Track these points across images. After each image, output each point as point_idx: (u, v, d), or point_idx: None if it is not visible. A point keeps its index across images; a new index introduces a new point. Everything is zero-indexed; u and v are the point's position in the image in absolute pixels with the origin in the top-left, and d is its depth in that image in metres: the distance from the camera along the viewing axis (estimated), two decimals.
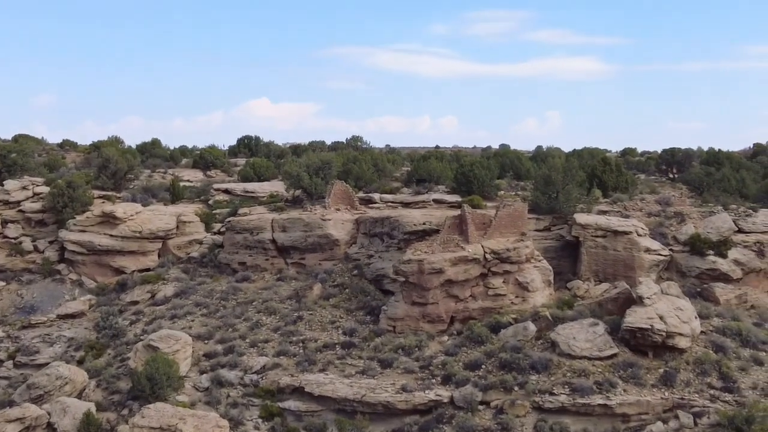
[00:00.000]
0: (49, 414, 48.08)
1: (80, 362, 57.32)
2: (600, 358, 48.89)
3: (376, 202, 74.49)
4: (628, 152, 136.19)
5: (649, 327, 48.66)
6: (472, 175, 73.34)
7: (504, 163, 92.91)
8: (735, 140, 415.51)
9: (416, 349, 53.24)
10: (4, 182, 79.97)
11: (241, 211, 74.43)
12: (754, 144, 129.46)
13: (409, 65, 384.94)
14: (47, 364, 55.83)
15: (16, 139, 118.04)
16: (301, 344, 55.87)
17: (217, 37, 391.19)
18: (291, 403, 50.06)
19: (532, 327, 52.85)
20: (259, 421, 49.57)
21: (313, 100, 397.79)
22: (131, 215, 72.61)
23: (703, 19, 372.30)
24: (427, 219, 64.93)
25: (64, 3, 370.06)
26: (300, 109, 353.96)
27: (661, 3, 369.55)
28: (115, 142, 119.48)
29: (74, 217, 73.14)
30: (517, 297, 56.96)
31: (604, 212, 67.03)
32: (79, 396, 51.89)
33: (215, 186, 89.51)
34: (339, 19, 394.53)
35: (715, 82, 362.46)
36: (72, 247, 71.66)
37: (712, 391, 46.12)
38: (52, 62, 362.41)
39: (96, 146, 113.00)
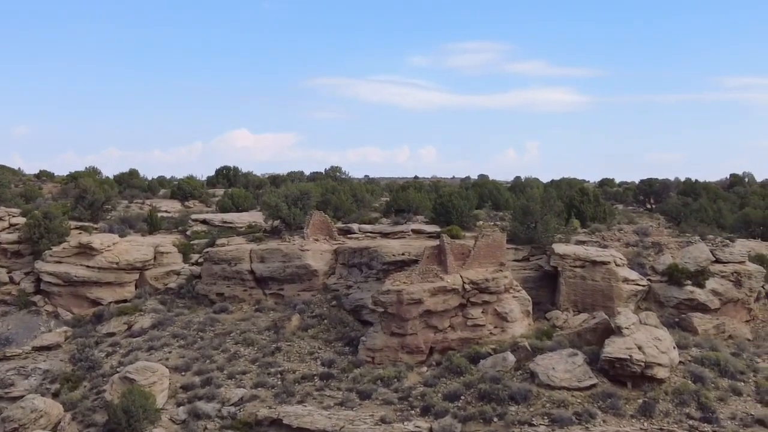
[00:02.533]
0: None
1: (56, 395, 56.71)
2: (579, 389, 48.82)
3: (354, 233, 74.30)
4: (605, 183, 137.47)
5: (628, 357, 48.69)
6: (451, 205, 73.39)
7: (483, 194, 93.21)
8: (712, 171, 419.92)
9: (395, 380, 52.93)
10: None
11: (219, 241, 74.08)
12: (730, 174, 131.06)
13: (389, 96, 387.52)
14: (22, 396, 55.27)
15: None
16: (279, 376, 55.47)
17: (197, 67, 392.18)
18: None
19: (511, 357, 52.73)
20: None
21: (293, 130, 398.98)
22: (108, 246, 72.01)
23: (679, 51, 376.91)
24: (406, 249, 64.85)
25: (42, 33, 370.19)
26: (280, 140, 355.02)
27: (637, 35, 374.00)
28: (92, 172, 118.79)
29: (51, 248, 72.43)
30: (496, 327, 56.90)
31: (582, 242, 67.23)
32: (55, 429, 51.43)
33: (193, 216, 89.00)
34: (320, 50, 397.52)
35: (692, 114, 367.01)
36: (48, 279, 70.96)
37: (691, 422, 45.99)
38: (30, 93, 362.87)
39: (73, 177, 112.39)
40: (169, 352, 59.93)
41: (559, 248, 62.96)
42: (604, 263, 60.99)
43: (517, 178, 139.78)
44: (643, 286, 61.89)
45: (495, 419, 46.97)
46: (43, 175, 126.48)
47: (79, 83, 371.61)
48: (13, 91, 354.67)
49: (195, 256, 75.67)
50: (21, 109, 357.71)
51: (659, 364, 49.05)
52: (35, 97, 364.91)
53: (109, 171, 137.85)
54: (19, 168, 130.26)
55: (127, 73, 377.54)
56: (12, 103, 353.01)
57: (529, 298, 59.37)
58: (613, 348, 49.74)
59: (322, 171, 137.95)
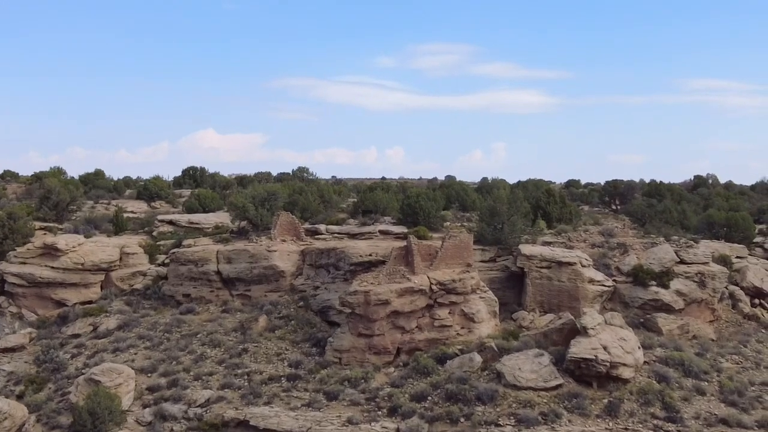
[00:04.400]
0: None
1: (20, 397, 56.04)
2: (545, 389, 49.10)
3: (322, 234, 74.29)
4: (571, 184, 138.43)
5: (593, 357, 49.05)
6: (418, 206, 73.50)
7: (450, 195, 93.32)
8: (676, 173, 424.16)
9: (362, 381, 52.93)
10: None
11: (185, 242, 73.71)
12: (694, 176, 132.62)
13: (356, 97, 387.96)
14: None
15: None
16: (246, 377, 55.26)
17: (164, 67, 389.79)
18: None
19: (477, 358, 52.95)
20: None
21: (260, 131, 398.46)
22: (73, 247, 71.46)
23: (644, 54, 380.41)
24: (373, 250, 64.94)
25: (5, 32, 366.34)
26: (246, 140, 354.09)
27: (604, 37, 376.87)
28: (57, 172, 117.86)
29: (15, 249, 71.85)
30: (462, 328, 57.10)
31: (548, 243, 67.73)
32: (19, 431, 50.79)
33: (159, 217, 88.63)
34: (286, 50, 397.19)
35: (656, 115, 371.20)
36: (12, 280, 70.24)
37: (655, 421, 46.37)
38: None
39: (38, 177, 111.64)
40: (135, 354, 59.49)
41: (526, 249, 63.34)
42: (570, 264, 61.49)
43: (484, 179, 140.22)
44: (609, 286, 62.40)
45: (462, 419, 47.08)
46: (7, 175, 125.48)
47: (43, 82, 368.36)
48: None
49: (161, 257, 75.39)
50: None
51: (624, 365, 49.46)
52: None
53: (74, 171, 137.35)
54: None
55: (93, 72, 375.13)
56: None
57: (496, 299, 59.63)
58: (579, 348, 50.07)
59: (290, 172, 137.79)
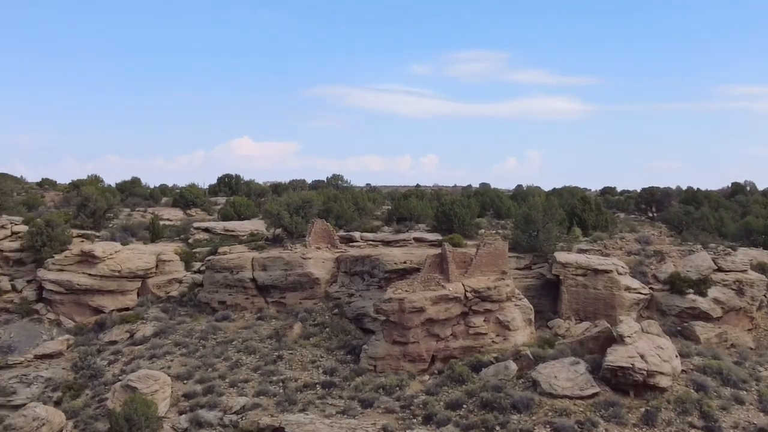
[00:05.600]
0: None
1: (57, 403, 56.57)
2: (581, 398, 48.65)
3: (356, 241, 74.39)
4: (607, 191, 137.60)
5: (630, 366, 48.57)
6: (453, 213, 73.45)
7: (484, 202, 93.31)
8: (713, 179, 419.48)
9: (397, 388, 52.84)
10: None
11: (221, 249, 74.17)
12: (732, 183, 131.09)
13: (390, 104, 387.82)
14: (24, 405, 55.07)
15: None
16: (281, 384, 55.35)
17: (199, 76, 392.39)
18: None
19: (513, 366, 52.67)
20: None
21: (295, 139, 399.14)
22: (110, 254, 72.17)
23: (680, 60, 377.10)
24: (408, 258, 64.91)
25: (44, 41, 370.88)
26: (281, 148, 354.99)
27: (637, 45, 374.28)
28: (94, 180, 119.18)
29: (53, 256, 72.67)
30: (497, 336, 56.80)
31: (584, 251, 67.25)
32: None
33: (195, 225, 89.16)
34: (321, 58, 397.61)
35: (693, 122, 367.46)
36: (50, 287, 71.08)
37: (693, 430, 45.85)
38: (31, 100, 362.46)
39: (75, 185, 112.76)
40: (171, 360, 59.88)
41: (561, 257, 62.99)
42: (606, 272, 61.04)
43: (519, 186, 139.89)
44: (645, 294, 61.87)
45: (497, 428, 46.77)
46: (46, 184, 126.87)
47: (80, 91, 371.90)
48: (14, 98, 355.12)
49: (197, 264, 75.80)
50: (22, 117, 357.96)
51: (661, 373, 48.94)
52: (37, 104, 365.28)
53: (111, 179, 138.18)
54: (22, 176, 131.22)
55: (129, 81, 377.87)
56: (13, 110, 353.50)
57: (531, 307, 59.25)
58: (616, 356, 49.63)
59: (324, 179, 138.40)
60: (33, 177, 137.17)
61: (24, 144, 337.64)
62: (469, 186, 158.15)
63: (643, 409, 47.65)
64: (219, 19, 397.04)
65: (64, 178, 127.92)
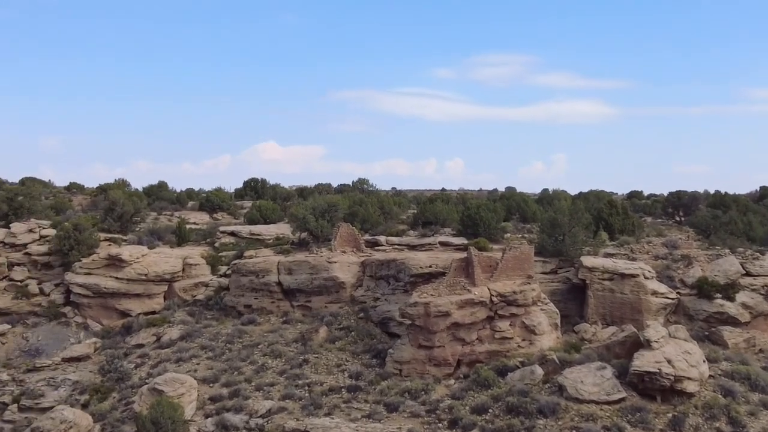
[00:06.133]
0: None
1: (85, 406, 57.03)
2: (608, 402, 48.40)
3: (382, 245, 74.45)
4: (634, 195, 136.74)
5: (657, 371, 48.26)
6: (479, 217, 73.29)
7: (510, 206, 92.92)
8: (741, 183, 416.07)
9: (423, 392, 52.78)
10: (10, 225, 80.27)
11: (247, 253, 74.38)
12: (760, 187, 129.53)
13: (415, 108, 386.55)
14: (52, 407, 55.55)
15: (23, 182, 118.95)
16: (306, 388, 55.45)
17: (225, 80, 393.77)
18: None
19: (539, 370, 52.49)
20: None
21: (321, 143, 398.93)
22: (137, 258, 72.65)
23: (707, 63, 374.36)
24: (434, 262, 64.93)
25: (70, 44, 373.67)
26: (307, 152, 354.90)
27: (665, 46, 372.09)
28: (121, 184, 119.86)
29: (80, 260, 73.22)
30: (523, 340, 56.64)
31: (610, 255, 66.97)
32: None
33: (221, 228, 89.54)
34: (346, 62, 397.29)
35: (720, 125, 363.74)
36: (78, 290, 71.65)
37: None
38: (60, 105, 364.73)
39: (103, 189, 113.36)
40: (198, 364, 60.16)
41: (588, 261, 62.74)
42: (632, 276, 60.72)
43: (545, 190, 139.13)
44: (673, 299, 61.52)
45: None
46: (73, 187, 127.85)
47: (108, 96, 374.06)
48: (42, 102, 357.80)
49: (223, 268, 76.14)
50: (50, 121, 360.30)
51: (689, 378, 48.60)
52: (64, 108, 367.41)
53: (138, 183, 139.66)
54: (50, 180, 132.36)
55: (156, 86, 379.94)
56: (41, 114, 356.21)
57: (557, 311, 59.12)
58: (642, 361, 49.34)
59: (350, 183, 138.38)
60: (61, 181, 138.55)
61: (52, 148, 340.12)
62: (495, 190, 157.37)
63: (670, 415, 47.33)
64: (244, 25, 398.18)
65: (92, 183, 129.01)
